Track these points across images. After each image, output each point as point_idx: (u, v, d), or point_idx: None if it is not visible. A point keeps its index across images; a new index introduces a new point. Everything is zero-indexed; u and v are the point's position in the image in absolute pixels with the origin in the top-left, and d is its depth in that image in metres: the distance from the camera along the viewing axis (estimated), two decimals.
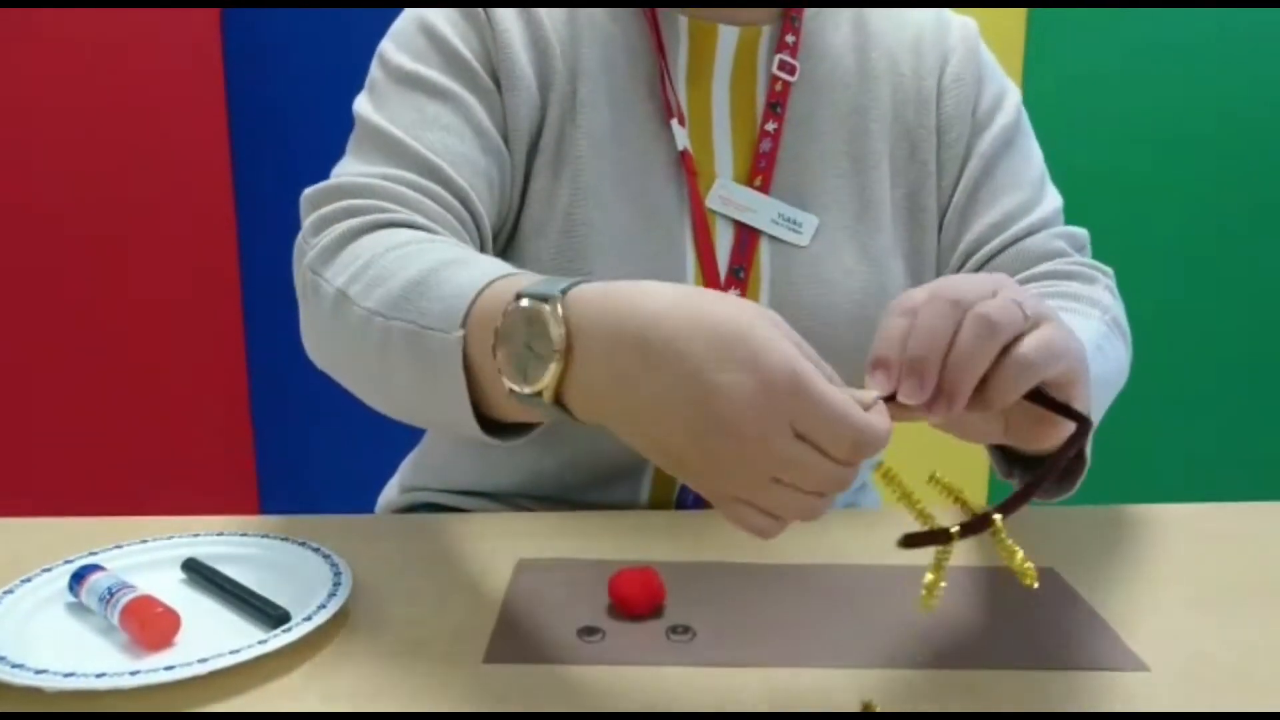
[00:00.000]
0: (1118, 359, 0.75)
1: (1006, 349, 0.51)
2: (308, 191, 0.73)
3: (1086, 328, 0.71)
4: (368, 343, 0.61)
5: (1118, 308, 0.80)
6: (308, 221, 0.71)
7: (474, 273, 0.59)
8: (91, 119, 1.79)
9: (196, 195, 1.84)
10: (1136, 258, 2.06)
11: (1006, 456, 0.68)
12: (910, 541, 0.49)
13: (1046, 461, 0.54)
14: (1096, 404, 0.64)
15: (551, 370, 0.50)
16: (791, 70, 0.82)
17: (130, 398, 1.88)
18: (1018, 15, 2.04)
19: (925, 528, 0.50)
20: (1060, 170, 0.89)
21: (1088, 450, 0.62)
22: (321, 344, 0.68)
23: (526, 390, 0.51)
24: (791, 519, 0.49)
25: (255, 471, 1.96)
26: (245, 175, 1.87)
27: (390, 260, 0.63)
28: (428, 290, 0.59)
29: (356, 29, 0.77)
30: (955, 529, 0.49)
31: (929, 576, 0.49)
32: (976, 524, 0.50)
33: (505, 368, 0.52)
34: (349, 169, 0.74)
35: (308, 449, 2.04)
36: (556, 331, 0.50)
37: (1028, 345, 0.51)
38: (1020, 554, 0.50)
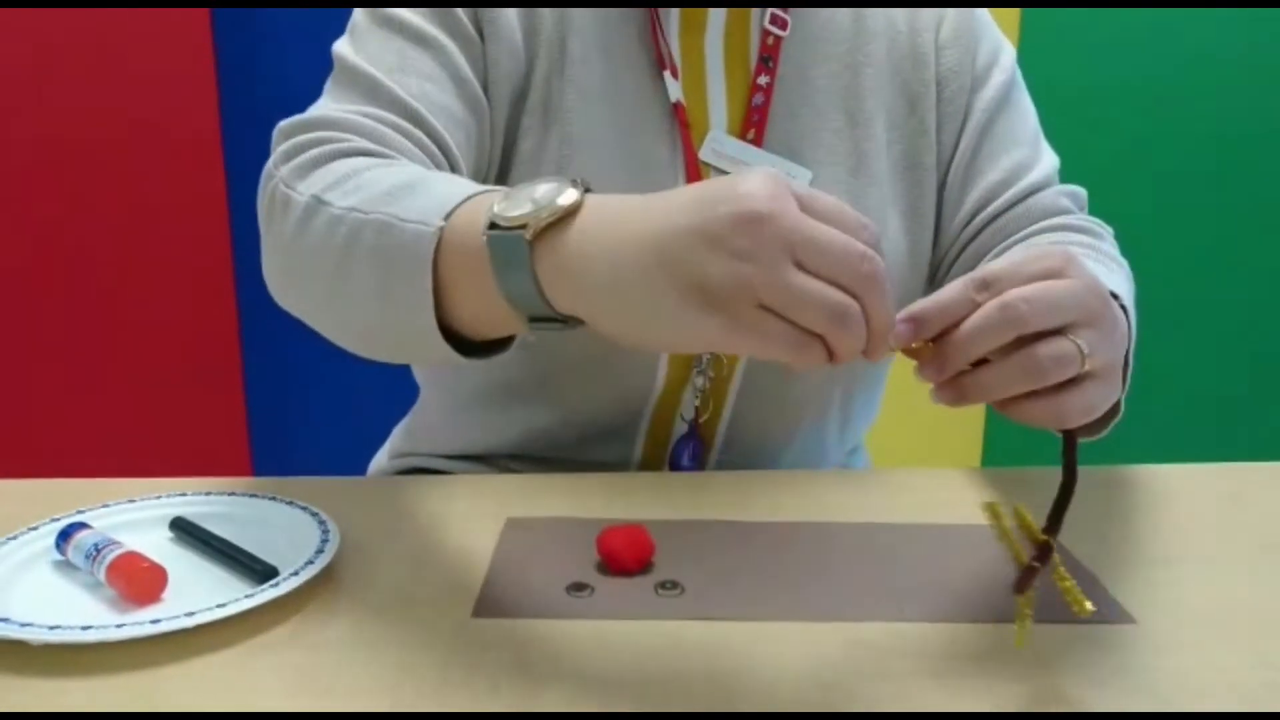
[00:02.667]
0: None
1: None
2: (282, 124, 0.70)
3: (1112, 279, 0.71)
4: (332, 244, 0.58)
5: (1125, 262, 0.81)
6: (279, 149, 0.68)
7: (468, 183, 0.57)
8: (85, 119, 1.77)
9: (189, 176, 1.83)
10: (1133, 241, 2.07)
11: None
12: (1021, 586, 0.51)
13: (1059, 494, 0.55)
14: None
15: (550, 206, 0.49)
16: (783, 24, 0.81)
17: (123, 367, 1.88)
18: (1011, 15, 2.03)
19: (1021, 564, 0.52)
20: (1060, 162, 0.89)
21: (1122, 401, 0.63)
22: (280, 263, 0.65)
23: (510, 218, 0.49)
24: (822, 321, 0.45)
25: (248, 442, 1.96)
26: (237, 161, 1.87)
27: (376, 172, 0.61)
28: (415, 190, 0.57)
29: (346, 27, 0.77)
30: (1036, 562, 0.52)
31: (1021, 621, 0.52)
32: (1043, 553, 0.52)
33: (498, 203, 0.50)
34: (325, 106, 0.72)
35: (299, 420, 2.05)
36: (572, 191, 0.50)
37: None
38: (1072, 582, 0.52)
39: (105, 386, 1.88)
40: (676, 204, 0.47)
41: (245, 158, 1.89)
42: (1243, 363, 2.21)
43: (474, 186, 0.56)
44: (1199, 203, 2.14)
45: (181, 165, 1.82)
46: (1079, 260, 0.53)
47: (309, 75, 0.86)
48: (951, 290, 0.51)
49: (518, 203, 0.50)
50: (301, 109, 0.72)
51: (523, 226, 0.49)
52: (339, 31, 0.78)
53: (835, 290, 0.45)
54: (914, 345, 0.52)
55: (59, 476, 0.75)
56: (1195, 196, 2.14)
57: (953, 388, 0.52)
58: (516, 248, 0.49)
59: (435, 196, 0.55)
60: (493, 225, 0.50)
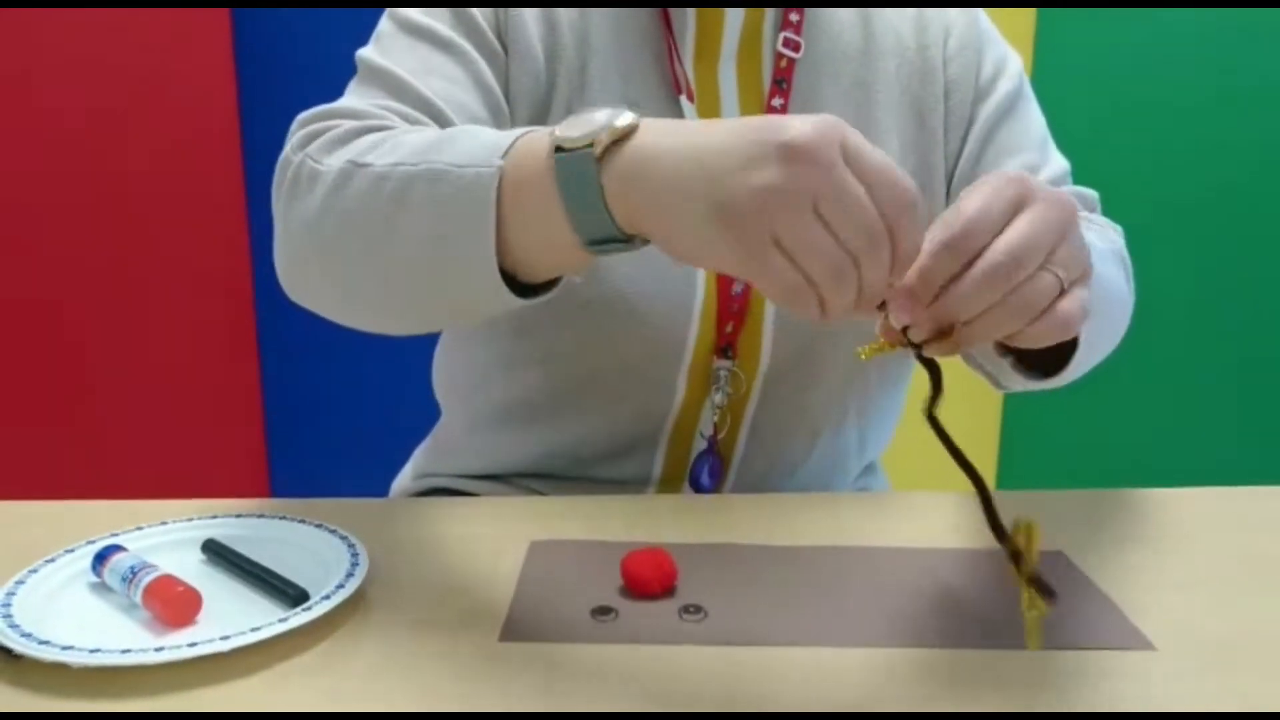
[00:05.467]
0: (1115, 284, 0.75)
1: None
2: (301, 115, 0.70)
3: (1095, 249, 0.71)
4: (376, 202, 0.59)
5: (1125, 252, 0.81)
6: (297, 136, 0.67)
7: (511, 129, 0.59)
8: (103, 119, 1.79)
9: (209, 192, 1.84)
10: (1148, 252, 2.06)
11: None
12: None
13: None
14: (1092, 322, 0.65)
15: (611, 126, 0.52)
16: (796, 47, 0.82)
17: (143, 387, 1.89)
18: (1027, 15, 2.04)
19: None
20: (1072, 167, 0.89)
21: (1080, 340, 0.64)
22: (303, 241, 0.64)
23: (578, 137, 0.52)
24: (820, 273, 0.47)
25: (267, 463, 1.97)
26: (257, 172, 1.88)
27: (410, 135, 0.62)
28: (458, 140, 0.59)
29: (367, 28, 0.78)
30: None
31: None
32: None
33: (560, 130, 0.53)
34: (347, 100, 0.73)
35: (319, 440, 2.05)
36: (629, 114, 0.52)
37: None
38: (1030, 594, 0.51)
39: (121, 405, 1.88)
40: (731, 125, 0.50)
41: (265, 162, 1.90)
42: (1261, 384, 2.20)
43: (516, 130, 0.58)
44: (1219, 204, 2.12)
45: (200, 170, 1.82)
46: (1031, 179, 0.53)
47: (329, 76, 0.88)
48: (929, 261, 0.51)
49: (578, 127, 0.53)
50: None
51: (589, 145, 0.52)
52: (359, 32, 0.79)
53: (841, 249, 0.47)
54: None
55: (78, 498, 0.76)
56: (1219, 196, 2.11)
57: (933, 331, 0.53)
58: (585, 165, 0.52)
59: (483, 141, 0.58)
60: (558, 149, 0.53)
